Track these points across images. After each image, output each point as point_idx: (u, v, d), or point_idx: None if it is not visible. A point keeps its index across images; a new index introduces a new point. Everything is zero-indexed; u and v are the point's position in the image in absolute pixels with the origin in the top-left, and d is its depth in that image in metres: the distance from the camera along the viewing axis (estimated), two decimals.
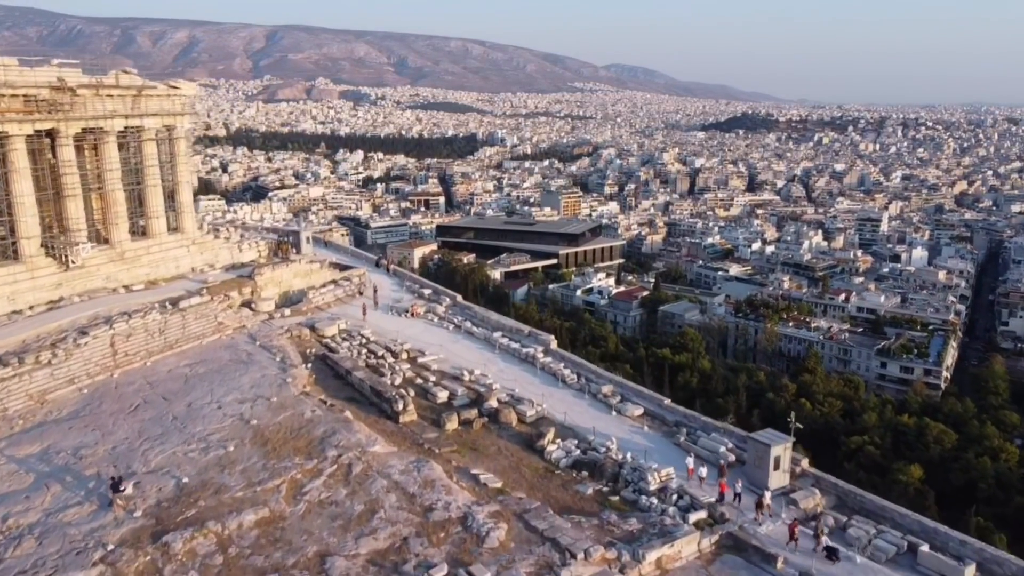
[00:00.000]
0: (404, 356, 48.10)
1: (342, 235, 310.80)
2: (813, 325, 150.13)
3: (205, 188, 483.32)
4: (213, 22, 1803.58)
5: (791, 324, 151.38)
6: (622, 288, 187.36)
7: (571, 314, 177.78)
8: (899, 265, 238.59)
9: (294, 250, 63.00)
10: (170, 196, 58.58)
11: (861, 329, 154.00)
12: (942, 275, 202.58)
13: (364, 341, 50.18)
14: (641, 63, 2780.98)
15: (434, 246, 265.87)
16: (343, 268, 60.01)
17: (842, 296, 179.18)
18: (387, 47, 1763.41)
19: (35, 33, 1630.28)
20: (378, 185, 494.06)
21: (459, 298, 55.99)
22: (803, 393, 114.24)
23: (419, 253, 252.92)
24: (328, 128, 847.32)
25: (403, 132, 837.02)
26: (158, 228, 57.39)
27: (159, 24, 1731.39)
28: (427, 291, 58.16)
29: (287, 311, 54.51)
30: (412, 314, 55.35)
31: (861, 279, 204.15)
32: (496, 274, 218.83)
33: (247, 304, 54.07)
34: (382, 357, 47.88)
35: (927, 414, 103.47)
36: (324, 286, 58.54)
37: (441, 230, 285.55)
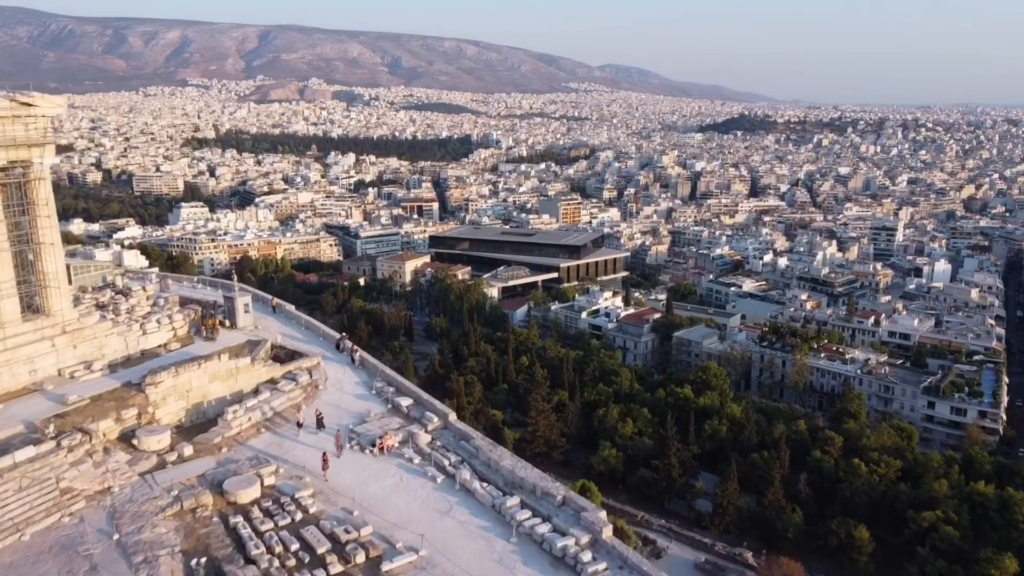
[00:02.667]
0: (360, 556, 28.92)
1: (331, 245, 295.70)
2: (848, 356, 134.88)
3: (191, 193, 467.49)
4: (205, 22, 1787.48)
5: (823, 355, 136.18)
6: (631, 310, 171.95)
7: (576, 339, 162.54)
8: (923, 280, 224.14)
9: (226, 323, 47.01)
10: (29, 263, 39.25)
11: (901, 361, 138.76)
12: (975, 293, 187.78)
13: (298, 518, 31.32)
14: (635, 63, 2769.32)
15: (427, 258, 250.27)
16: (289, 356, 42.97)
17: (871, 319, 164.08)
18: (381, 47, 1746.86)
19: (25, 33, 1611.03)
20: (370, 189, 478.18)
21: (452, 417, 36.80)
22: (851, 447, 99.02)
23: (411, 266, 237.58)
24: (320, 129, 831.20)
25: (396, 134, 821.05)
26: (5, 314, 38.01)
27: (151, 24, 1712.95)
28: (406, 402, 39.82)
29: (188, 448, 35.34)
30: (382, 449, 36.75)
31: (887, 298, 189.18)
32: (493, 291, 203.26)
33: (128, 436, 35.20)
34: (322, 559, 28.59)
35: (1003, 477, 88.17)
36: (257, 391, 39.99)
37: (434, 241, 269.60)
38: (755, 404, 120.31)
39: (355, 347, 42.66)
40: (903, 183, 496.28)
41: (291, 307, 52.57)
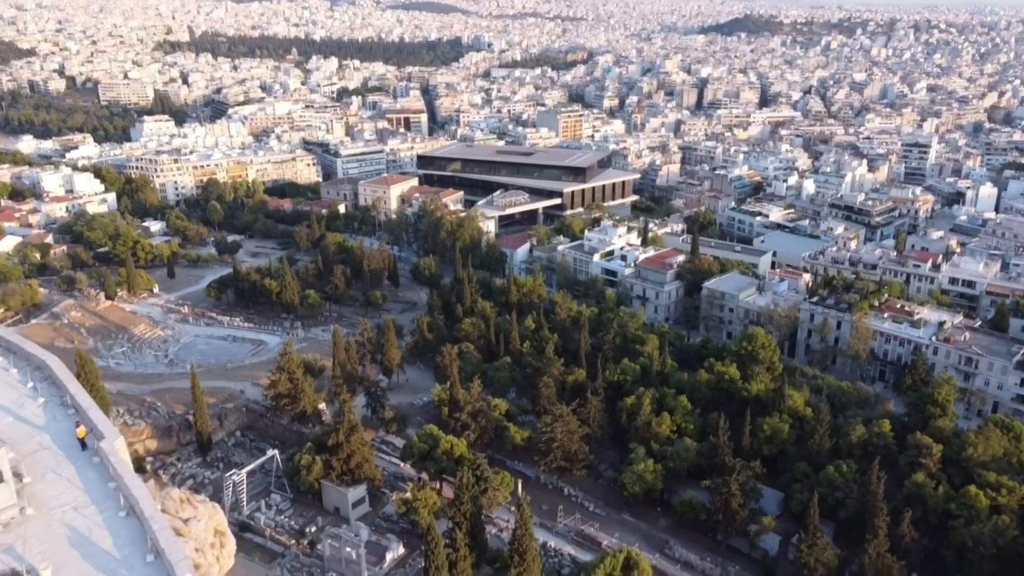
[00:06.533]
0: None
1: (308, 165, 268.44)
2: (917, 317, 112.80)
3: (160, 103, 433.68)
4: None
5: (887, 315, 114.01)
6: (650, 252, 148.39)
7: (588, 288, 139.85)
8: (970, 208, 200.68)
9: None
10: None
11: (979, 322, 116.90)
12: None
13: None
14: None
15: (414, 181, 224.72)
16: None
17: (928, 262, 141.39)
18: None
19: None
20: (353, 98, 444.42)
21: None
22: (951, 458, 77.96)
23: (396, 191, 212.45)
24: (302, 31, 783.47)
25: (383, 36, 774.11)
26: None
27: None
28: None
29: None
30: None
31: (939, 234, 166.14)
32: (489, 225, 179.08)
33: None
34: None
35: None
36: None
37: (423, 161, 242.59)
38: (813, 383, 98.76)
39: None
40: (922, 91, 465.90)
41: (115, 440, 28.62)
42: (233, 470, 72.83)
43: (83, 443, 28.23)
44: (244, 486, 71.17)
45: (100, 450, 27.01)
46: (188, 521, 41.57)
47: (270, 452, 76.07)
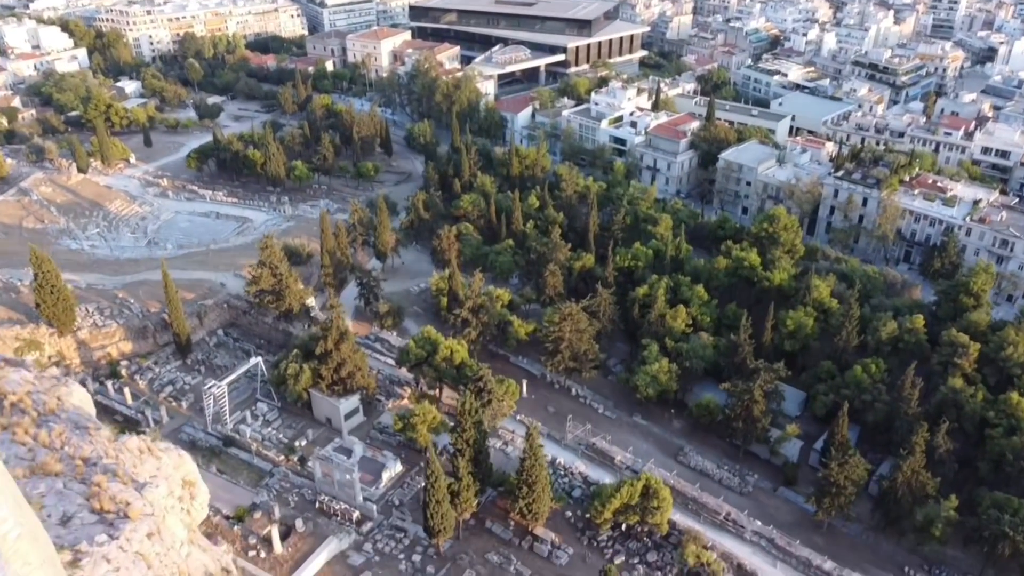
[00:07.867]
0: None
1: (292, 16, 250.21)
2: (950, 194, 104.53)
3: None
4: None
5: (917, 191, 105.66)
6: (662, 117, 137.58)
7: (595, 157, 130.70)
8: (1006, 67, 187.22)
9: None
10: None
11: (1016, 200, 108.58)
12: None
13: None
14: None
15: (407, 35, 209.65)
16: None
17: (960, 129, 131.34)
18: None
19: None
20: None
21: None
22: (988, 356, 72.46)
23: (388, 46, 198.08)
24: None
25: None
26: None
27: None
28: None
29: None
30: None
31: (971, 96, 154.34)
32: (488, 85, 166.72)
33: None
34: None
35: None
36: None
37: (416, 12, 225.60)
38: (837, 269, 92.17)
39: None
40: None
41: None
42: (213, 381, 67.05)
43: None
44: (226, 399, 65.73)
45: None
46: (144, 487, 35.56)
47: (253, 360, 70.09)
